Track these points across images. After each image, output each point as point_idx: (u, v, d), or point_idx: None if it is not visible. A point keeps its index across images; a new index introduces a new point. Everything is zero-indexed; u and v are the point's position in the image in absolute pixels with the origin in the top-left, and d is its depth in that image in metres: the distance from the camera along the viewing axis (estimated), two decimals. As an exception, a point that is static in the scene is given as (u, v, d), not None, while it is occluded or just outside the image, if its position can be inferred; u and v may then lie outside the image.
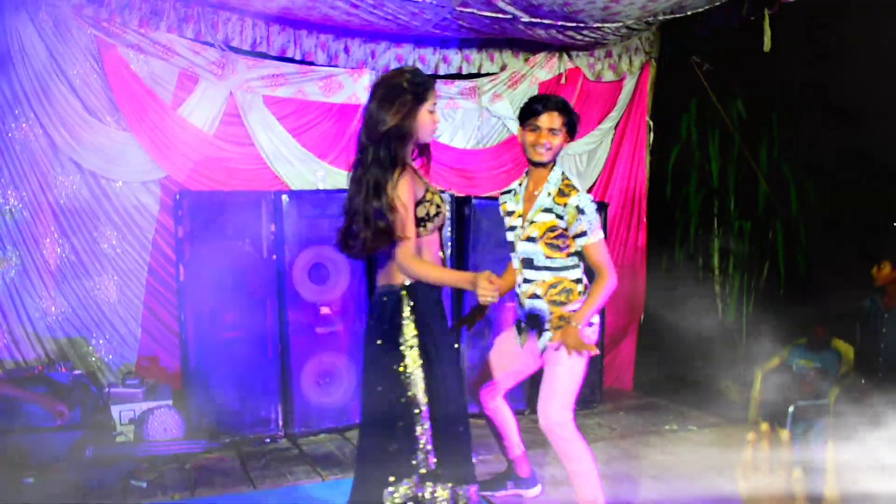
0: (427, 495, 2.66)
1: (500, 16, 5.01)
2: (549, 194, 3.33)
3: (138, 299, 5.15)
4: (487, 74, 6.06)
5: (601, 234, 3.32)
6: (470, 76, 6.02)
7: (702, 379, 5.93)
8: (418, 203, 2.69)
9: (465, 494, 2.71)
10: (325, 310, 4.91)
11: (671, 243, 6.50)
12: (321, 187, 5.31)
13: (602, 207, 5.68)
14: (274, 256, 4.79)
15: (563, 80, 6.20)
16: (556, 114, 3.32)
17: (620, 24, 5.40)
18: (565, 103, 3.40)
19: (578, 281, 3.39)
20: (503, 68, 6.10)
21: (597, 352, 3.28)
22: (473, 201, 5.28)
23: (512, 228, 3.48)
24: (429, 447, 2.66)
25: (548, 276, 3.37)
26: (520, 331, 3.54)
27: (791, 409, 3.89)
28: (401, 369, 2.68)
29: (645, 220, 6.53)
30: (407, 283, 2.71)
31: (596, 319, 3.40)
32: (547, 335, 3.38)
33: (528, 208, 3.40)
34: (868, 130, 4.95)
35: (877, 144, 4.93)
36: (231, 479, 4.19)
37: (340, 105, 5.58)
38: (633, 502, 3.90)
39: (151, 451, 4.33)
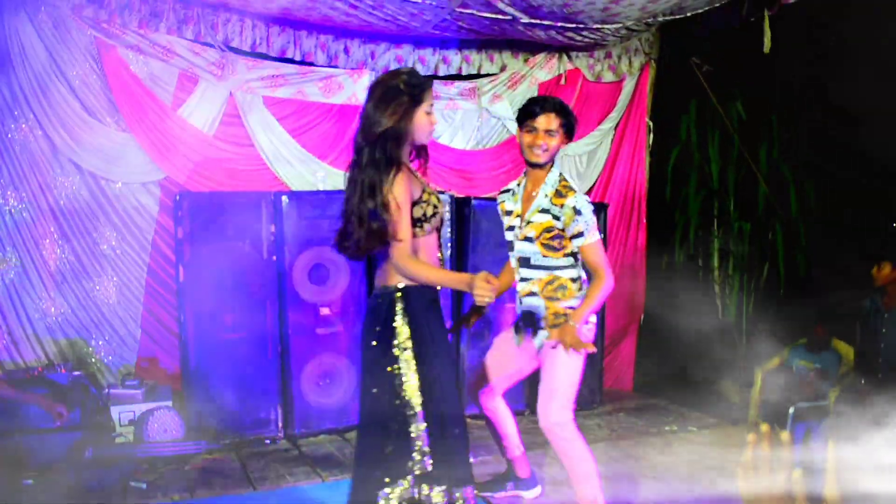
0: (422, 497, 2.66)
1: (500, 17, 5.01)
2: (547, 195, 3.35)
3: (138, 300, 5.14)
4: (487, 75, 6.06)
5: (598, 236, 3.33)
6: (469, 77, 6.02)
7: (702, 379, 5.92)
8: (415, 203, 2.69)
9: (461, 496, 2.71)
10: (325, 311, 4.91)
11: (671, 244, 6.49)
12: (321, 188, 5.31)
13: (602, 208, 5.68)
14: (274, 257, 4.79)
15: (562, 81, 6.20)
16: (552, 115, 3.33)
17: (620, 25, 5.40)
18: (563, 105, 3.40)
19: (575, 279, 3.40)
20: (503, 69, 6.10)
21: (593, 349, 3.29)
22: (473, 202, 5.29)
23: (511, 228, 3.50)
24: (426, 449, 2.66)
25: (544, 275, 3.39)
26: (517, 331, 3.54)
27: (791, 410, 3.89)
28: (394, 371, 2.68)
29: (645, 220, 6.53)
30: (401, 285, 2.71)
31: (593, 319, 3.41)
32: (543, 333, 3.38)
33: (525, 208, 3.42)
34: (868, 131, 4.95)
35: (877, 145, 4.92)
36: (231, 481, 4.19)
37: (340, 106, 5.58)
38: (633, 503, 3.90)
39: (151, 453, 4.32)
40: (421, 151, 2.84)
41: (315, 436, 4.91)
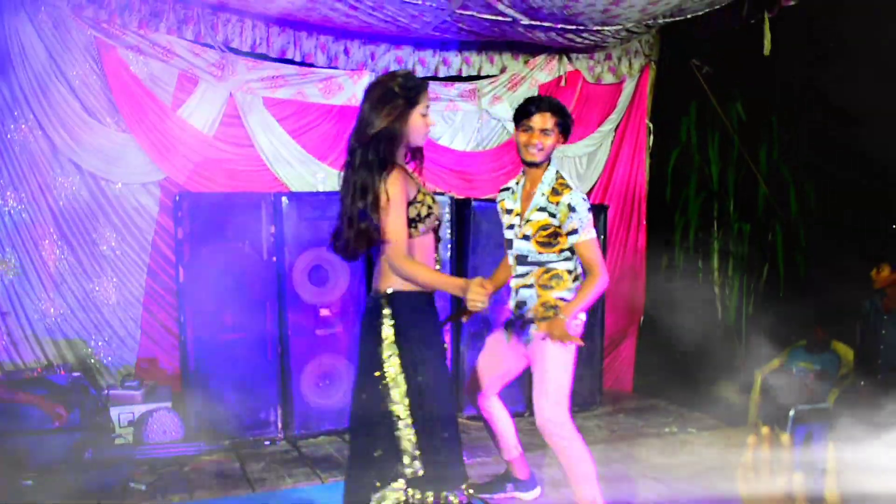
0: (414, 500, 2.67)
1: (500, 19, 5.00)
2: (544, 194, 3.39)
3: (137, 301, 5.14)
4: (487, 77, 6.06)
5: (593, 233, 3.34)
6: (469, 78, 6.02)
7: (701, 381, 5.92)
8: (410, 203, 2.70)
9: (455, 498, 2.72)
10: (324, 312, 4.90)
11: (671, 245, 6.49)
12: (321, 189, 5.31)
13: (602, 210, 5.68)
14: (274, 258, 4.78)
15: (562, 83, 6.20)
16: (548, 115, 3.37)
17: (620, 26, 5.39)
18: (558, 104, 3.44)
19: (570, 271, 3.43)
20: (503, 70, 6.10)
21: (581, 343, 3.31)
22: (473, 203, 5.29)
23: (511, 227, 3.53)
24: (415, 453, 2.67)
25: (538, 269, 3.43)
26: (508, 328, 3.57)
27: (792, 412, 3.88)
28: (381, 376, 2.70)
29: (644, 222, 6.53)
30: (390, 290, 2.73)
31: (582, 316, 3.45)
32: (533, 327, 3.40)
33: (525, 207, 3.46)
34: (868, 132, 4.95)
35: (877, 146, 4.92)
36: (230, 482, 4.18)
37: (340, 107, 5.57)
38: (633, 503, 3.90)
39: (150, 454, 4.32)
40: (416, 153, 2.85)
41: (315, 437, 4.91)
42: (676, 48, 6.33)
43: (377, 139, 2.66)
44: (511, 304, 3.54)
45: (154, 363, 5.15)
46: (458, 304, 3.72)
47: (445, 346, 2.95)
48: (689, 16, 5.33)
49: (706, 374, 5.89)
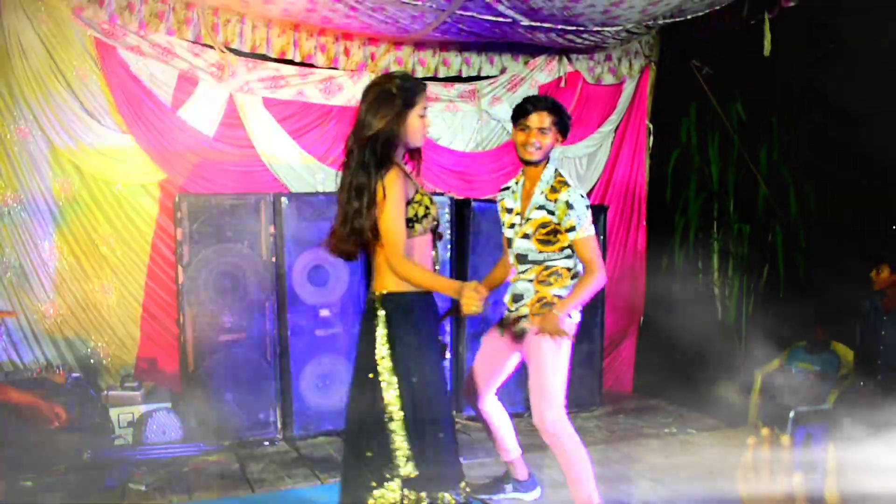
0: (408, 501, 2.68)
1: (500, 20, 5.00)
2: (542, 192, 3.40)
3: (137, 301, 5.14)
4: (487, 77, 6.06)
5: (591, 231, 3.35)
6: (469, 79, 6.02)
7: (701, 381, 5.91)
8: (408, 203, 2.72)
9: (452, 498, 2.72)
10: (324, 312, 4.90)
11: (671, 246, 6.49)
12: (320, 190, 5.30)
13: (602, 210, 5.68)
14: (273, 259, 4.78)
15: (562, 84, 6.20)
16: (545, 113, 3.38)
17: (620, 27, 5.39)
18: (555, 103, 3.46)
19: (570, 268, 3.44)
20: (503, 71, 6.10)
21: (570, 337, 3.31)
22: (473, 204, 5.29)
23: (511, 226, 3.54)
24: (409, 453, 2.69)
25: (537, 266, 3.44)
26: (501, 323, 3.59)
27: (792, 414, 3.89)
28: (374, 378, 2.73)
29: (644, 222, 6.53)
30: (384, 291, 2.75)
31: (577, 316, 3.45)
32: (525, 320, 3.41)
33: (525, 206, 3.47)
34: (868, 132, 4.95)
35: (877, 146, 4.92)
36: (229, 483, 4.18)
37: (340, 107, 5.57)
38: (633, 505, 3.90)
39: (150, 454, 4.31)
40: (414, 154, 2.87)
41: (314, 437, 4.91)
42: (676, 49, 6.33)
43: (375, 140, 2.67)
44: (506, 297, 3.56)
45: (153, 364, 5.14)
46: (456, 302, 3.71)
47: (446, 344, 2.96)
48: (689, 17, 5.32)
49: (706, 375, 5.89)
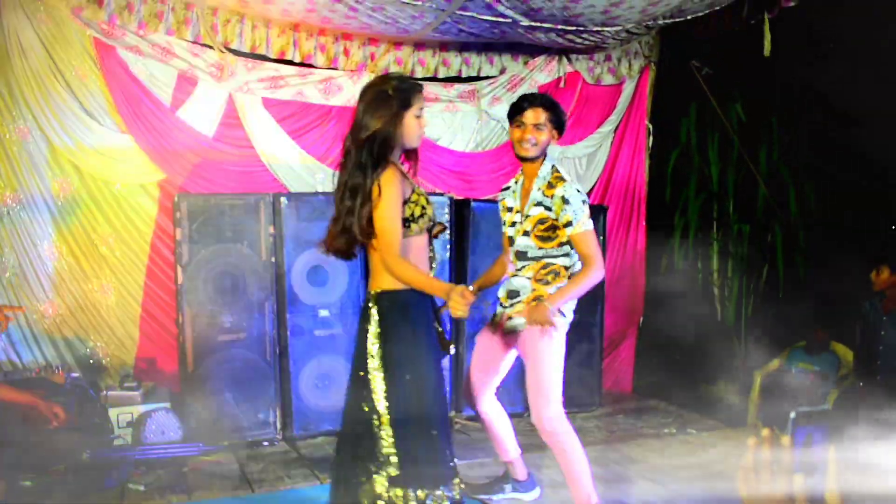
0: (395, 498, 2.70)
1: (500, 20, 5.00)
2: (540, 188, 3.42)
3: (136, 301, 5.13)
4: (487, 77, 6.05)
5: (589, 225, 3.35)
6: (469, 79, 6.01)
7: (701, 382, 5.91)
8: (404, 203, 2.74)
9: (443, 494, 2.73)
10: (323, 312, 4.90)
11: (670, 246, 6.49)
12: (320, 190, 5.30)
13: (601, 210, 5.68)
14: (273, 259, 4.78)
15: (562, 84, 6.20)
16: (540, 110, 3.41)
17: (620, 27, 5.39)
18: (550, 100, 3.50)
19: (567, 267, 3.45)
20: (502, 71, 6.09)
21: (555, 326, 3.29)
22: (473, 204, 5.29)
23: (512, 224, 3.54)
24: (395, 450, 2.70)
25: (536, 264, 3.45)
26: (494, 318, 3.60)
27: (792, 414, 3.88)
28: (365, 376, 2.76)
29: (644, 223, 6.53)
30: (379, 289, 2.78)
31: (570, 316, 3.45)
32: (520, 320, 3.41)
33: (524, 204, 3.49)
34: (868, 132, 4.94)
35: (877, 147, 4.92)
36: (229, 483, 4.18)
37: (339, 107, 5.56)
38: (632, 506, 3.90)
39: (149, 455, 4.30)
40: (411, 154, 2.89)
41: (313, 437, 4.91)
42: (676, 49, 6.33)
43: (371, 141, 2.70)
44: (501, 292, 3.56)
45: (152, 364, 5.14)
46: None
47: (450, 340, 2.97)
48: (689, 17, 5.32)
49: (706, 375, 5.89)
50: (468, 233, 5.25)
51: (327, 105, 5.56)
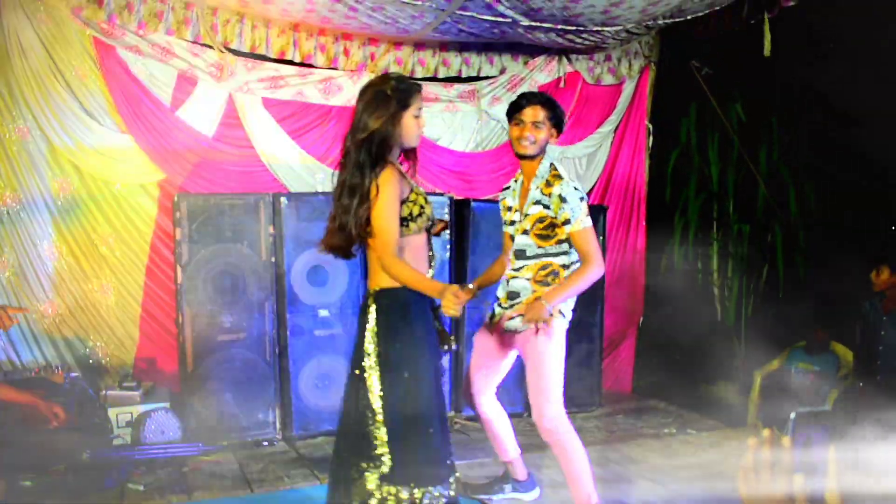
0: (387, 496, 2.71)
1: (500, 20, 5.00)
2: (538, 187, 3.43)
3: (136, 301, 5.13)
4: (487, 77, 6.05)
5: (588, 223, 3.35)
6: (469, 79, 6.01)
7: (701, 382, 5.92)
8: (402, 202, 2.76)
9: (439, 493, 2.74)
10: (323, 312, 4.90)
11: (670, 246, 6.49)
12: (320, 190, 5.30)
13: (601, 210, 5.68)
14: (272, 259, 4.78)
15: (562, 84, 6.20)
16: (539, 107, 3.42)
17: (620, 27, 5.39)
18: (549, 98, 3.51)
19: (566, 266, 3.44)
20: (502, 71, 6.09)
21: (549, 323, 3.28)
22: (473, 204, 5.29)
23: (511, 223, 3.55)
24: (388, 447, 2.72)
25: (538, 262, 3.45)
26: (492, 316, 3.59)
27: (793, 415, 3.88)
28: (361, 374, 2.77)
29: (644, 223, 6.52)
30: (378, 287, 2.79)
31: (568, 315, 3.44)
32: (517, 321, 3.41)
33: (523, 203, 3.50)
34: (868, 133, 4.95)
35: (877, 147, 4.92)
36: (229, 483, 4.17)
37: (339, 107, 5.56)
38: (632, 506, 3.89)
39: (148, 454, 4.30)
40: (410, 154, 2.90)
41: (313, 437, 4.90)
42: (676, 49, 6.33)
43: (370, 141, 2.72)
44: (501, 293, 3.56)
45: (152, 363, 5.14)
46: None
47: (452, 336, 2.97)
48: (688, 17, 5.32)
49: (705, 375, 5.89)
50: (468, 233, 5.25)
51: (327, 105, 5.56)
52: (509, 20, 5.01)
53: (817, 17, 5.23)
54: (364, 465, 2.74)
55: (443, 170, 5.89)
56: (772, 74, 5.90)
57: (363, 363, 2.76)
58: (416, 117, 2.80)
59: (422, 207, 2.80)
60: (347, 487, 2.78)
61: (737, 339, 6.24)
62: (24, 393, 3.90)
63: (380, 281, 2.78)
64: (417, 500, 2.71)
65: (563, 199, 3.33)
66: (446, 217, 5.15)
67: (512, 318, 3.45)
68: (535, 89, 6.07)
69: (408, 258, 2.77)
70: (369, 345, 2.76)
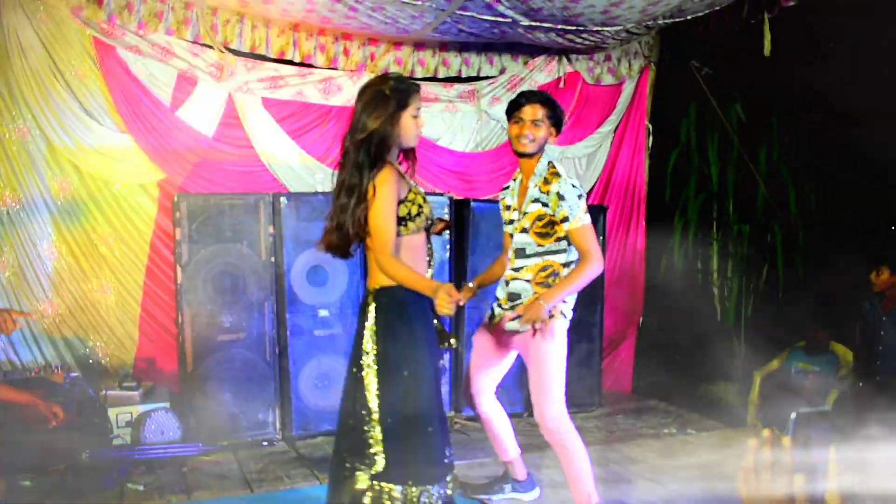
0: (381, 494, 2.72)
1: (500, 19, 5.00)
2: (536, 185, 3.43)
3: (136, 301, 5.13)
4: (486, 77, 6.05)
5: (586, 220, 3.35)
6: (469, 79, 6.01)
7: (700, 382, 5.92)
8: (400, 202, 2.76)
9: (435, 492, 2.74)
10: (323, 312, 4.90)
11: (670, 246, 6.49)
12: (319, 190, 5.30)
13: (601, 210, 5.68)
14: (272, 259, 4.78)
15: (561, 84, 6.20)
16: (538, 106, 3.43)
17: (620, 27, 5.39)
18: (548, 97, 3.52)
19: (566, 264, 3.44)
20: (502, 71, 6.09)
21: (548, 324, 3.27)
22: (472, 204, 5.29)
23: (510, 222, 3.56)
24: (384, 446, 2.72)
25: (538, 261, 3.45)
26: (491, 316, 3.59)
27: (793, 415, 3.89)
28: (358, 374, 2.78)
29: (644, 222, 6.52)
30: (377, 286, 2.80)
31: (569, 314, 3.45)
32: (514, 323, 3.41)
33: (521, 201, 3.50)
34: (868, 133, 4.95)
35: (877, 147, 4.92)
36: (228, 483, 4.17)
37: (339, 107, 5.55)
38: (632, 506, 3.89)
39: (148, 454, 4.30)
40: (409, 154, 2.91)
41: (313, 437, 4.90)
42: (676, 49, 6.33)
43: (368, 141, 2.73)
44: (501, 293, 3.55)
45: (152, 363, 5.13)
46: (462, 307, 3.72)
47: (452, 334, 2.97)
48: (688, 17, 5.32)
49: (705, 376, 5.89)
50: (468, 233, 5.25)
51: (327, 105, 5.56)
52: (509, 20, 5.01)
53: (817, 17, 5.23)
54: (357, 463, 2.76)
55: (442, 170, 5.89)
56: (772, 74, 5.90)
57: (361, 361, 2.77)
58: (415, 117, 2.81)
59: (420, 207, 2.80)
60: (342, 484, 2.79)
61: (737, 339, 6.24)
62: (23, 393, 3.90)
63: (379, 280, 2.79)
64: (414, 499, 2.71)
65: (560, 197, 3.34)
66: (446, 217, 5.15)
67: (512, 318, 3.45)
68: (534, 89, 6.07)
69: (406, 258, 2.77)
70: (368, 343, 2.76)
